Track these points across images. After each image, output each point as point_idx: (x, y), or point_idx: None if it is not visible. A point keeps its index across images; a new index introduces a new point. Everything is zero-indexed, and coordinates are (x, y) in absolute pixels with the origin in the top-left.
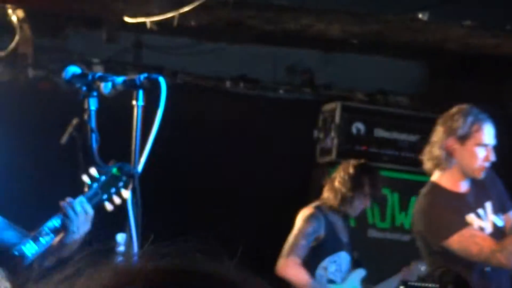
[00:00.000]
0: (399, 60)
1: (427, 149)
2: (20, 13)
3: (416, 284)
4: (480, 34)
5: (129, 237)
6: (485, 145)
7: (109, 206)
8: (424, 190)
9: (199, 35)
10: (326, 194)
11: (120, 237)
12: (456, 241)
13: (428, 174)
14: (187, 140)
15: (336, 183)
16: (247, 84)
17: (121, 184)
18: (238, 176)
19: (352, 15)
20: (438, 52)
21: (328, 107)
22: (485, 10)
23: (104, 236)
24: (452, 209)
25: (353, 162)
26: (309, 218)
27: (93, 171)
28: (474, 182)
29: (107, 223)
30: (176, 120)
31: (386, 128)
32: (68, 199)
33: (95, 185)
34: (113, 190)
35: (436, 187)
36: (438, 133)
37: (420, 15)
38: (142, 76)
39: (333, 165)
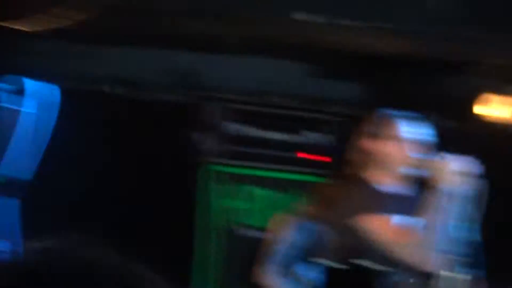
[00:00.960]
0: (277, 60)
1: (344, 156)
2: None
3: None
4: (357, 34)
5: None
6: (399, 139)
7: None
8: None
9: (77, 38)
10: None
11: None
12: (367, 222)
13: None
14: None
15: None
16: (125, 87)
17: None
18: (117, 177)
19: (230, 16)
20: (314, 51)
21: (205, 108)
22: (357, 10)
23: None
24: (372, 193)
25: None
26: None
27: None
28: (399, 195)
29: None
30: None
31: (264, 128)
32: None
33: None
34: None
35: (354, 175)
36: (353, 138)
37: (296, 15)
38: (34, 83)
39: (211, 165)
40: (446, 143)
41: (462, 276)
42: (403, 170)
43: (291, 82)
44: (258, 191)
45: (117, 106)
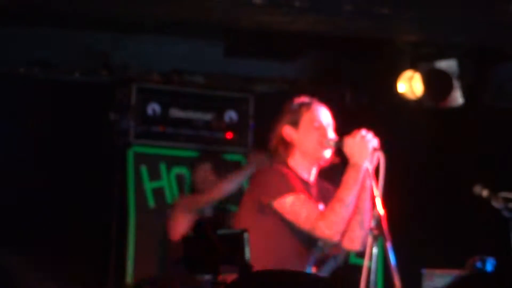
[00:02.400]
0: (193, 40)
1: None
2: None
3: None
4: (270, 12)
5: None
6: (318, 122)
7: None
8: None
9: None
10: None
11: None
12: (289, 203)
13: None
14: None
15: None
16: (41, 68)
17: None
18: (33, 160)
19: None
20: (232, 31)
21: (123, 89)
22: None
23: None
24: (292, 175)
25: None
26: None
27: None
28: (319, 184)
29: None
30: None
31: (182, 107)
32: None
33: None
34: None
35: (280, 162)
36: (275, 127)
37: None
38: None
39: (130, 146)
40: (357, 119)
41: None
42: (322, 154)
43: (208, 61)
44: (176, 170)
45: (34, 88)
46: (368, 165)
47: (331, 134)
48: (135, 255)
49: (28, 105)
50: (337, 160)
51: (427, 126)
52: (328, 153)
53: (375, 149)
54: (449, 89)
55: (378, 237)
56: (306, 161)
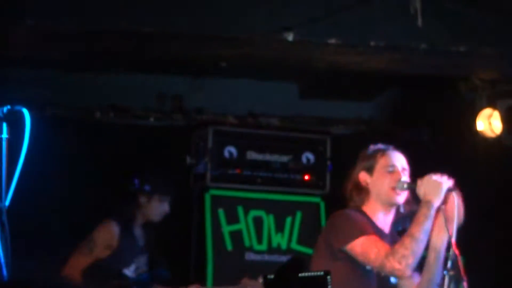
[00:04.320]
0: (268, 82)
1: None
2: None
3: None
4: (345, 52)
5: None
6: (392, 166)
7: None
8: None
9: (65, 66)
10: None
11: None
12: (359, 244)
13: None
14: (56, 173)
15: None
16: (117, 113)
17: None
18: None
19: (220, 38)
20: (306, 72)
21: (199, 132)
22: (348, 29)
23: None
24: (366, 221)
25: None
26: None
27: None
28: (393, 235)
29: None
30: (46, 153)
31: (258, 150)
32: None
33: None
34: None
35: (354, 207)
36: (350, 173)
37: (285, 35)
38: (5, 108)
39: (207, 190)
40: (435, 159)
41: None
42: (395, 198)
43: (283, 103)
44: (254, 213)
45: (111, 133)
46: (441, 204)
47: (405, 178)
48: None
49: (105, 149)
50: (415, 207)
51: (506, 165)
52: (401, 198)
53: (449, 189)
54: None
55: (454, 278)
56: (380, 206)
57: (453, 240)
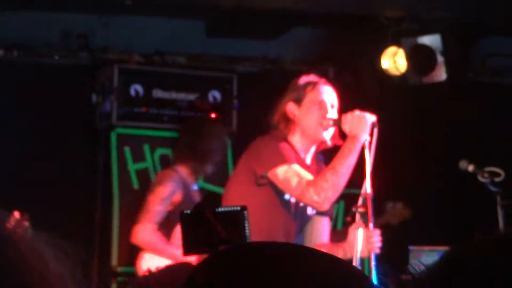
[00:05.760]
0: (174, 20)
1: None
2: None
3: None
4: None
5: None
6: (320, 102)
7: None
8: None
9: None
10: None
11: None
12: (282, 172)
13: None
14: None
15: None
16: (21, 51)
17: None
18: (15, 145)
19: None
20: (213, 10)
21: (105, 70)
22: None
23: None
24: (289, 149)
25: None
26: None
27: None
28: (317, 166)
29: None
30: None
31: (164, 88)
32: None
33: None
34: None
35: (279, 136)
36: (278, 103)
37: None
38: None
39: (112, 128)
40: (342, 97)
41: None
42: (321, 134)
43: (190, 42)
44: (160, 151)
45: (13, 71)
46: (366, 138)
47: (334, 115)
48: (119, 236)
49: (7, 88)
50: (340, 142)
51: (411, 102)
52: (328, 134)
53: (373, 124)
54: (433, 64)
55: (364, 216)
56: (305, 140)
57: (368, 178)
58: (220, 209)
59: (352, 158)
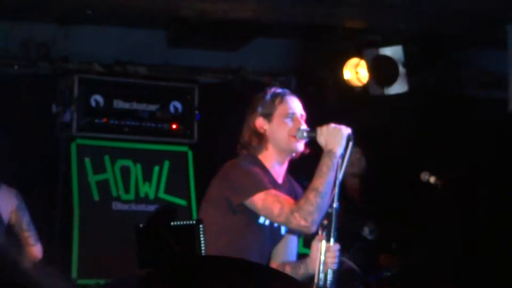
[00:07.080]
0: (136, 29)
1: (241, 137)
2: None
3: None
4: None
5: None
6: (292, 114)
7: None
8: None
9: None
10: None
11: None
12: (261, 199)
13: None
14: None
15: None
16: None
17: None
18: None
19: None
20: (175, 20)
21: (65, 80)
22: None
23: None
24: (262, 172)
25: None
26: None
27: None
28: (288, 185)
29: None
30: None
31: (125, 99)
32: None
33: None
34: None
35: (248, 155)
36: (247, 119)
37: None
38: None
39: (73, 139)
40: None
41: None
42: (294, 146)
43: (152, 52)
44: (121, 162)
45: None
46: (342, 152)
47: (305, 126)
48: (79, 248)
49: None
50: (307, 151)
51: (373, 113)
52: (301, 146)
53: (349, 137)
54: (394, 75)
55: (327, 229)
56: (279, 153)
57: (336, 192)
58: (174, 223)
59: (331, 175)
